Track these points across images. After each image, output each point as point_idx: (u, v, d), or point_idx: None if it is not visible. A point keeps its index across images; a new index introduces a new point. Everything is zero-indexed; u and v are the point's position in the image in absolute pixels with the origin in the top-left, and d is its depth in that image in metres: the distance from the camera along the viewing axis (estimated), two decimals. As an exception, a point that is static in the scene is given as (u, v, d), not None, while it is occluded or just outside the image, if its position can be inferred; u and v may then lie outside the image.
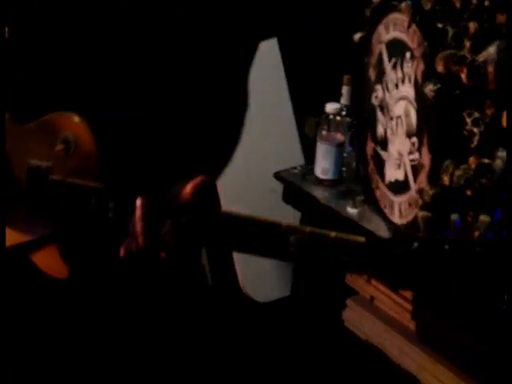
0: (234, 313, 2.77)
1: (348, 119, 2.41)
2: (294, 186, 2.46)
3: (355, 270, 1.23)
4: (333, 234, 1.16)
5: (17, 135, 1.35)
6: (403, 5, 1.94)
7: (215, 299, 2.82)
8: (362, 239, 1.15)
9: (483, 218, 1.79)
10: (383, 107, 2.14)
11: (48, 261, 1.35)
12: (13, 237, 1.35)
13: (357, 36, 2.22)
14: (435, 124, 1.89)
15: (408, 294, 2.36)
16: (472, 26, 1.83)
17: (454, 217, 1.86)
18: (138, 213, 1.24)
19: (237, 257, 2.75)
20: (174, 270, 1.39)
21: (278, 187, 2.51)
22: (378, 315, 2.46)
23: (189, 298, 1.71)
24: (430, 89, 1.83)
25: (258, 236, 1.21)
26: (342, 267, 1.18)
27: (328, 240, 1.16)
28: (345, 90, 2.42)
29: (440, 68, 1.83)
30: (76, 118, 1.32)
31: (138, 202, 1.25)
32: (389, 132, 2.13)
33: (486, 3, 1.82)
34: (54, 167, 1.31)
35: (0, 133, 1.29)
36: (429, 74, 1.87)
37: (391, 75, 2.08)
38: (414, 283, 1.12)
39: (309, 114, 2.53)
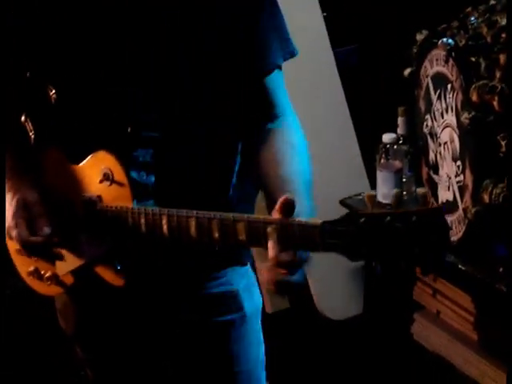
0: (311, 331, 2.97)
1: (404, 147, 2.60)
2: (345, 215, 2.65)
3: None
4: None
5: (71, 172, 1.60)
6: (440, 42, 2.15)
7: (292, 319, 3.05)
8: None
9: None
10: (433, 135, 2.35)
11: (108, 273, 1.58)
12: (76, 260, 1.60)
13: (406, 71, 2.44)
14: (474, 148, 2.08)
15: (471, 307, 2.51)
16: (502, 57, 2.03)
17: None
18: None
19: (311, 278, 2.95)
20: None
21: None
22: (443, 327, 2.61)
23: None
24: (465, 117, 2.04)
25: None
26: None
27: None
28: (400, 120, 2.62)
29: (474, 97, 2.03)
30: (110, 155, 1.54)
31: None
32: (438, 157, 2.32)
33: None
34: (101, 196, 1.55)
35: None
36: (465, 103, 2.07)
37: (437, 105, 2.28)
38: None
39: (369, 143, 2.72)
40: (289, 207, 1.29)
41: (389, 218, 1.19)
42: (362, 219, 1.20)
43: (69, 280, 1.65)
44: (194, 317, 1.71)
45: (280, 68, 1.63)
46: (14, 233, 1.57)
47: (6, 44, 1.63)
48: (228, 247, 1.49)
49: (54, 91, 1.62)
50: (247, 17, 1.56)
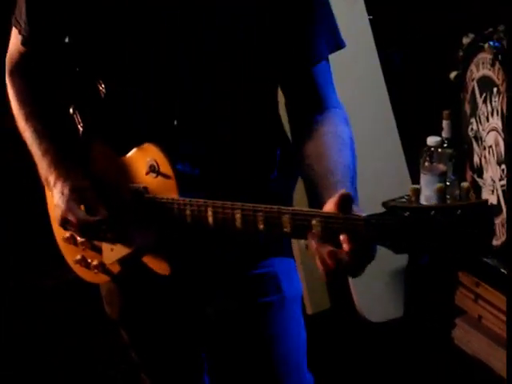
0: (351, 333, 2.97)
1: (449, 150, 2.59)
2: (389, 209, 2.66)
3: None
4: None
5: (118, 164, 1.63)
6: (487, 45, 2.15)
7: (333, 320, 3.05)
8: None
9: None
10: (478, 138, 2.34)
11: (154, 261, 1.62)
12: (123, 249, 1.63)
13: (452, 74, 2.44)
14: (519, 151, 2.08)
15: (513, 312, 2.50)
16: (550, 61, 2.02)
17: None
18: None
19: (352, 279, 2.95)
20: None
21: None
22: (484, 332, 2.60)
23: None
24: (511, 120, 2.03)
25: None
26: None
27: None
28: (445, 123, 2.61)
29: (520, 101, 2.03)
30: (156, 147, 1.56)
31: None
32: (483, 161, 2.32)
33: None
34: (147, 187, 1.58)
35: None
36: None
37: (483, 109, 2.28)
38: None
39: (413, 146, 2.72)
40: (347, 202, 1.30)
41: (433, 211, 1.21)
42: (407, 213, 1.22)
43: (115, 268, 1.69)
44: (234, 298, 1.73)
45: (327, 60, 1.62)
46: (70, 216, 1.59)
47: (56, 40, 1.67)
48: (272, 239, 1.52)
49: (103, 85, 1.65)
50: (248, 17, 1.55)
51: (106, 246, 1.68)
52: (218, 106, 1.60)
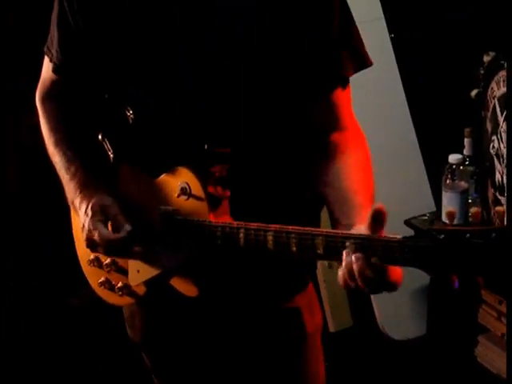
0: (373, 350, 2.97)
1: (471, 168, 2.60)
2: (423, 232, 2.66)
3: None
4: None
5: (148, 187, 1.64)
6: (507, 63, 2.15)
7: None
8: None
9: None
10: (499, 156, 2.34)
11: (182, 283, 1.61)
12: (150, 270, 1.63)
13: (474, 92, 2.45)
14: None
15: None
16: None
17: None
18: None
19: (374, 297, 2.95)
20: None
21: (410, 233, 2.72)
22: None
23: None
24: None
25: None
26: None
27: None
28: (466, 141, 2.61)
29: (539, 119, 2.03)
30: (188, 170, 1.57)
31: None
32: (505, 178, 2.32)
33: None
34: (178, 210, 1.58)
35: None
36: (531, 125, 2.07)
37: (504, 126, 2.28)
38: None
39: (435, 163, 2.72)
40: (381, 218, 1.31)
41: (468, 234, 1.23)
42: (442, 236, 1.24)
43: (141, 290, 1.69)
44: (257, 331, 1.73)
45: (348, 80, 1.61)
46: (95, 234, 1.61)
47: (87, 67, 1.69)
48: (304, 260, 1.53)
49: (131, 111, 1.67)
50: (248, 17, 1.54)
51: (132, 268, 1.69)
52: (283, 123, 1.61)
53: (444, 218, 2.63)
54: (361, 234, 1.33)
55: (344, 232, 1.37)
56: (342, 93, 1.61)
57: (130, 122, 1.68)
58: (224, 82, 1.58)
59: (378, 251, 1.30)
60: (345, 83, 1.61)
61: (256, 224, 1.46)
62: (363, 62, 1.60)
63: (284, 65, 1.56)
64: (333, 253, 1.36)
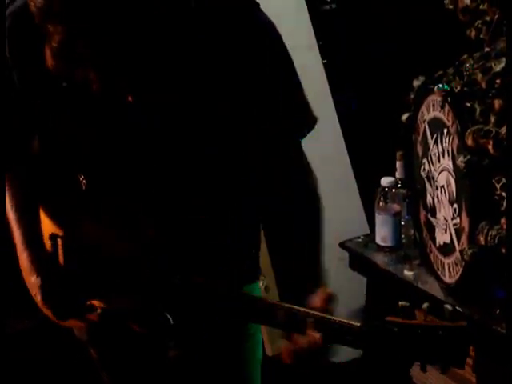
0: (311, 372, 2.97)
1: (403, 191, 2.65)
2: (358, 254, 2.71)
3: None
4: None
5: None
6: (436, 88, 2.20)
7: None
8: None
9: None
10: (430, 178, 2.39)
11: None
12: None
13: (404, 116, 2.49)
14: (469, 191, 2.12)
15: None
16: (497, 102, 2.07)
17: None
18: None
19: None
20: None
21: (346, 255, 2.77)
22: (442, 370, 2.63)
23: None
24: (461, 160, 2.08)
25: None
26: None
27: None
28: (398, 164, 2.67)
29: (469, 142, 2.07)
30: None
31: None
32: (436, 200, 2.36)
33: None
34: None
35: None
36: (461, 148, 2.12)
37: (434, 150, 2.33)
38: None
39: (368, 187, 2.77)
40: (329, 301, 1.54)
41: (419, 330, 1.45)
42: (396, 328, 1.46)
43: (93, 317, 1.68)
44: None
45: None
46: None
47: (35, 136, 1.69)
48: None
49: (83, 178, 1.67)
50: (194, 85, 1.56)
51: None
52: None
53: (378, 241, 2.68)
54: (323, 315, 1.51)
55: (306, 310, 1.52)
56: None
57: (83, 188, 1.67)
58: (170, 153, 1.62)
59: (335, 333, 1.50)
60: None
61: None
62: (314, 122, 1.72)
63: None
64: (294, 327, 1.53)
